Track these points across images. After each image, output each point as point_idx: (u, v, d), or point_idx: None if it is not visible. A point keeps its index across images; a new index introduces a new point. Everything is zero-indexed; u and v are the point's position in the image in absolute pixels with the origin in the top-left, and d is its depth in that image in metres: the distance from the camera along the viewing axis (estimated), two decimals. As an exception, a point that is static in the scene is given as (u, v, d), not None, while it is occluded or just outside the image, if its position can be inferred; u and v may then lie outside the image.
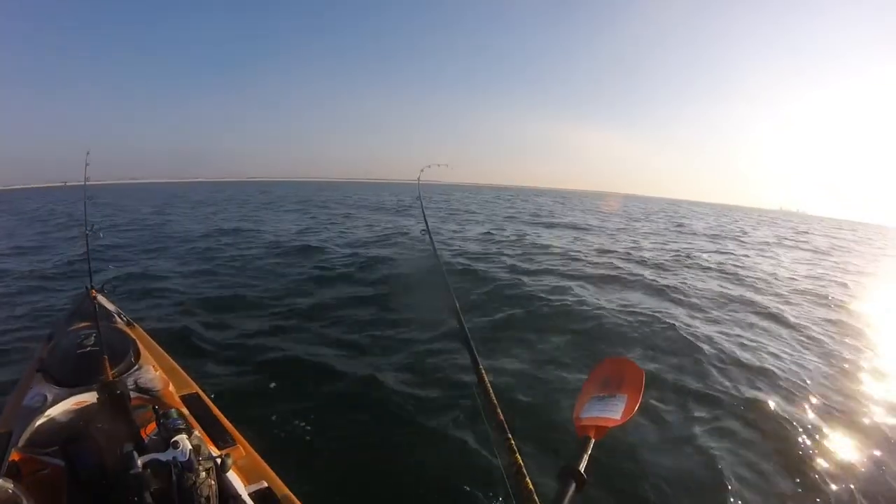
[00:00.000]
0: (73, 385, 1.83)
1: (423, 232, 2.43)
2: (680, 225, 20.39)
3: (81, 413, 1.57)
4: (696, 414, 3.14)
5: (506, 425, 1.05)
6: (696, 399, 3.30)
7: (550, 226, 15.67)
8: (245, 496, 1.41)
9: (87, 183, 3.25)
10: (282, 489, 1.56)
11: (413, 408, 2.95)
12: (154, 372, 2.06)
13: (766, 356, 4.19)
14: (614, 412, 1.10)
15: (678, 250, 10.96)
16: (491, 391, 1.18)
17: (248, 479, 1.56)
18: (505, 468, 0.97)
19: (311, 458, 2.45)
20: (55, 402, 1.68)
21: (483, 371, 1.27)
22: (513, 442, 1.01)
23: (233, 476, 1.44)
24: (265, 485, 1.55)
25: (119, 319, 2.80)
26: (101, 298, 2.87)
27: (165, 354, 2.45)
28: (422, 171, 3.24)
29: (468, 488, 2.24)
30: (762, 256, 11.60)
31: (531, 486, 0.90)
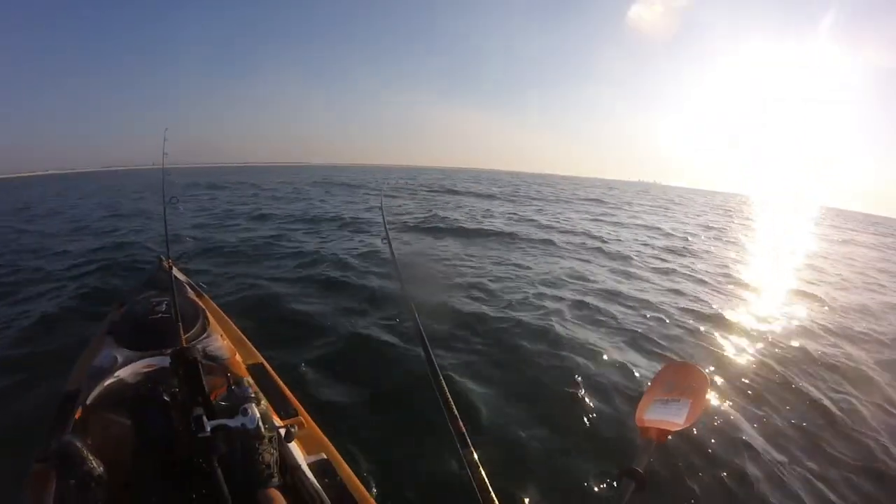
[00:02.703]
0: (143, 349, 1.87)
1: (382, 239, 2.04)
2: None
3: (151, 376, 1.61)
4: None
5: (467, 437, 0.97)
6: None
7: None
8: (304, 467, 1.45)
9: (164, 154, 3.40)
10: (340, 462, 1.59)
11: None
12: (222, 341, 2.12)
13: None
14: (678, 416, 1.07)
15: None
16: (451, 399, 1.07)
17: (307, 450, 1.60)
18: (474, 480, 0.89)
19: (367, 436, 2.45)
20: (125, 363, 1.72)
21: (441, 377, 1.13)
22: (475, 455, 0.93)
23: (294, 447, 1.48)
24: (324, 457, 1.58)
25: (189, 290, 2.87)
26: (173, 269, 2.92)
27: (232, 324, 2.52)
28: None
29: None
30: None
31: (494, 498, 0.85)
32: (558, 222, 12.07)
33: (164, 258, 3.06)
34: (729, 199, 52.25)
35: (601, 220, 13.50)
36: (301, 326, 3.88)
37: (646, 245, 9.50)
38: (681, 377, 1.19)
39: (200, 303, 2.59)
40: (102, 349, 1.92)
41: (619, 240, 9.93)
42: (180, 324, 1.95)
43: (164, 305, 2.22)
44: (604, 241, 9.28)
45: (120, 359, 1.80)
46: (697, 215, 19.79)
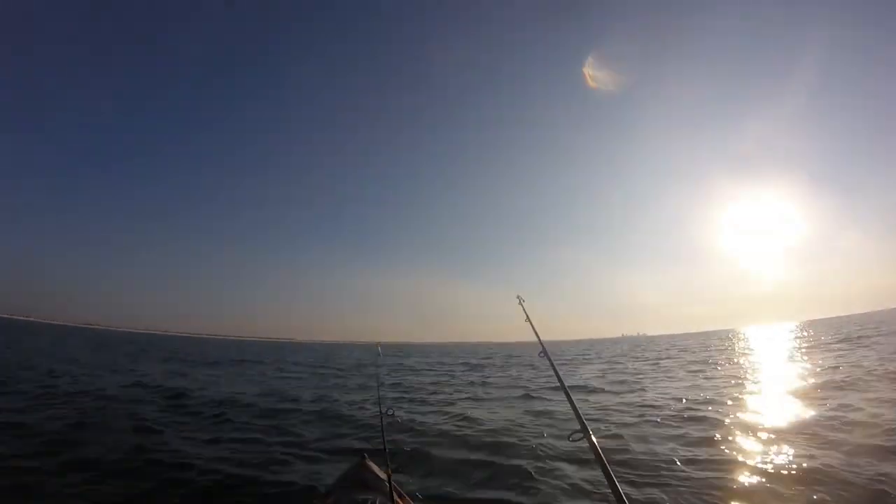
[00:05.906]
0: None
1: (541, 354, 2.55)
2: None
3: None
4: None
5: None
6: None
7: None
8: None
9: (379, 367, 3.66)
10: None
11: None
12: None
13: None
14: None
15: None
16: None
17: None
18: None
19: None
20: None
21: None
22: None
23: None
24: None
25: (395, 494, 2.74)
26: (374, 467, 2.92)
27: None
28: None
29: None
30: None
31: None
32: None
33: (366, 456, 3.15)
34: (721, 336, 55.91)
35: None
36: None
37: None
38: None
39: None
40: None
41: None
42: None
43: None
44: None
45: None
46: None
